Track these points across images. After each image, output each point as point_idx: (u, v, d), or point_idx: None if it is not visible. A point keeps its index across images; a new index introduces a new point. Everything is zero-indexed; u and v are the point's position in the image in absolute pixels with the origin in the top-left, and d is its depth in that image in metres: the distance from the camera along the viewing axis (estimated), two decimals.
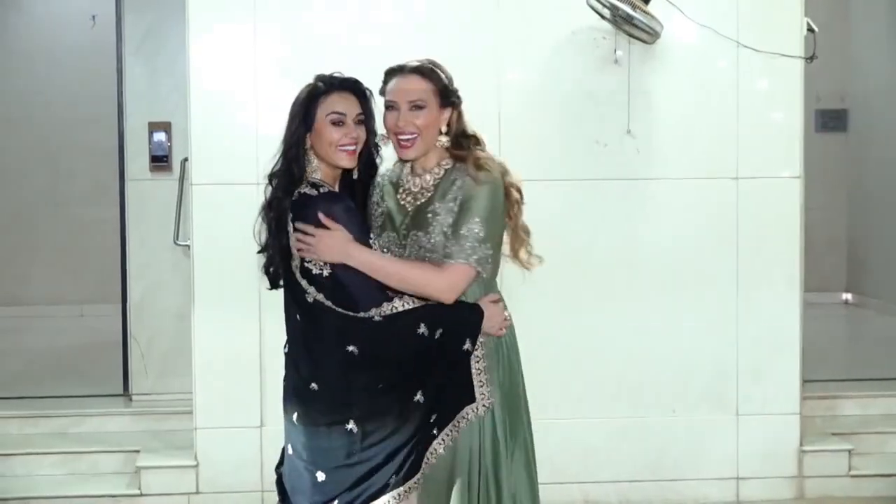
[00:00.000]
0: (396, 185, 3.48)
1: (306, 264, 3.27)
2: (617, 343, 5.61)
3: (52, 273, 10.03)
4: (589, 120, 5.57)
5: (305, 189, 3.31)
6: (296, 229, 3.27)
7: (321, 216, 3.23)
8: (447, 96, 3.43)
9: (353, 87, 3.41)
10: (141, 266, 6.54)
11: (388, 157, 3.52)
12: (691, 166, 5.61)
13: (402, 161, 3.49)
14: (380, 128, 3.44)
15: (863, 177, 9.85)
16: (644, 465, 5.64)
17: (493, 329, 3.37)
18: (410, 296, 3.28)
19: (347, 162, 3.37)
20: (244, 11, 5.46)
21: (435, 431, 3.33)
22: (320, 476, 3.31)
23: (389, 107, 3.39)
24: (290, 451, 3.42)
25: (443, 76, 3.45)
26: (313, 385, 3.31)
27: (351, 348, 3.25)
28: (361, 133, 3.38)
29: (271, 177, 3.39)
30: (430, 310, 3.27)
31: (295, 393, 3.39)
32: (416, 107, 3.37)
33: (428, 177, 3.41)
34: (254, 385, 5.50)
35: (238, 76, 5.48)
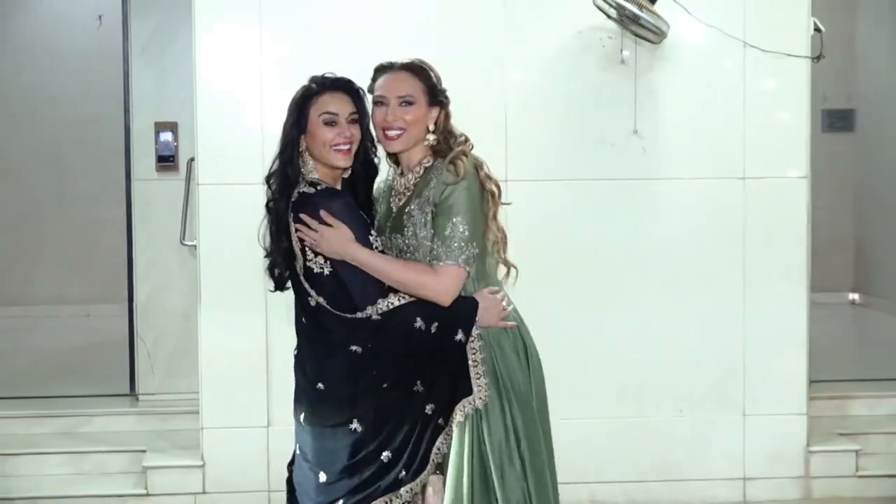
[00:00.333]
0: (390, 190, 3.50)
1: (308, 263, 3.28)
2: (623, 343, 5.60)
3: (58, 273, 10.04)
4: (595, 120, 5.57)
5: (304, 188, 3.33)
6: (298, 221, 3.28)
7: (323, 213, 3.24)
8: (435, 95, 3.45)
9: (345, 87, 3.42)
10: (147, 266, 6.55)
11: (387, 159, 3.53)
12: (698, 166, 5.61)
13: (388, 156, 3.50)
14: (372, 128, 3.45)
15: (870, 177, 9.83)
16: (651, 465, 5.63)
17: (492, 320, 3.36)
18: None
19: (343, 161, 3.38)
20: (250, 12, 5.46)
21: (441, 422, 3.33)
22: (322, 477, 3.32)
23: (378, 102, 3.41)
24: (297, 451, 3.45)
25: (432, 75, 3.47)
26: (319, 385, 3.32)
27: (354, 348, 3.26)
28: (356, 132, 3.39)
29: (268, 179, 3.41)
30: (425, 303, 3.28)
31: (303, 394, 3.40)
32: (406, 102, 3.39)
33: (410, 176, 3.43)
34: (260, 385, 5.50)
35: (244, 76, 5.49)
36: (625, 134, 5.55)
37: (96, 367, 7.45)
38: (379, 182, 3.55)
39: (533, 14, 5.53)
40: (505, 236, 3.48)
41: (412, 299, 3.27)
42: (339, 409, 3.30)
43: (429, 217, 3.31)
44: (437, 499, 3.38)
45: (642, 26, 5.28)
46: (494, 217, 3.42)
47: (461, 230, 3.28)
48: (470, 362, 3.33)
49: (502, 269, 3.53)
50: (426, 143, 3.42)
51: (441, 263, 3.27)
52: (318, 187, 3.32)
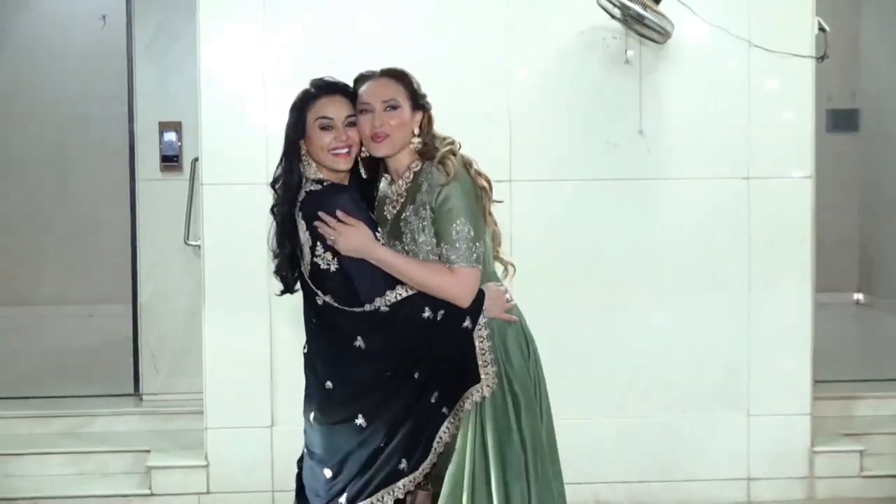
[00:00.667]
0: (384, 198, 3.52)
1: (315, 259, 3.30)
2: (627, 343, 5.60)
3: (62, 273, 10.04)
4: (600, 120, 5.56)
5: (311, 187, 3.36)
6: (309, 219, 3.30)
7: (340, 214, 3.26)
8: (417, 99, 3.48)
9: (342, 90, 3.44)
10: (151, 266, 6.55)
11: None
12: (702, 166, 5.60)
13: (374, 161, 3.52)
14: None
15: (874, 176, 9.82)
16: (654, 466, 5.63)
17: (497, 312, 3.41)
18: None
19: (343, 164, 3.41)
20: (253, 11, 5.46)
21: (445, 410, 3.34)
22: (328, 473, 3.35)
23: (363, 110, 3.43)
24: (306, 450, 3.48)
25: (413, 80, 3.51)
26: (328, 384, 3.36)
27: (358, 343, 3.28)
28: (353, 135, 3.42)
29: (273, 184, 3.44)
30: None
31: (313, 393, 3.43)
32: (391, 107, 3.42)
33: (401, 182, 3.47)
34: (264, 385, 5.50)
35: (248, 76, 5.49)
36: (629, 134, 5.54)
37: (100, 367, 7.46)
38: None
39: (536, 14, 5.53)
40: (499, 232, 3.56)
41: (419, 290, 3.29)
42: (345, 405, 3.34)
43: (426, 222, 3.35)
44: None
45: (647, 26, 5.27)
46: (489, 213, 3.49)
47: (466, 231, 3.32)
48: (478, 350, 3.37)
49: (500, 266, 3.56)
50: (412, 146, 3.46)
51: (454, 267, 3.32)
52: (325, 184, 3.34)
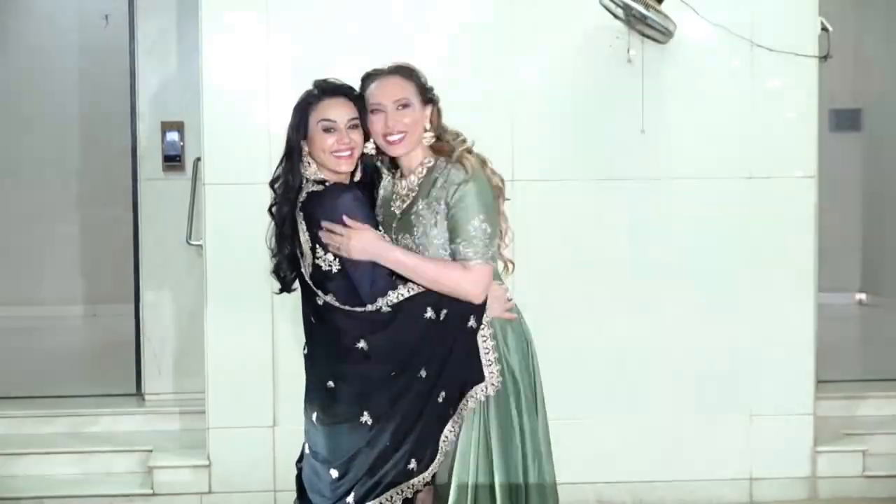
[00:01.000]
0: (390, 195, 3.51)
1: (317, 261, 3.30)
2: (629, 342, 5.59)
3: (65, 273, 10.03)
4: (602, 119, 5.56)
5: (312, 187, 3.36)
6: (309, 220, 3.29)
7: (346, 218, 3.25)
8: (426, 94, 3.48)
9: (346, 93, 3.43)
10: (154, 266, 6.55)
11: None
12: (705, 166, 5.60)
13: (392, 162, 3.53)
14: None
15: (877, 176, 9.80)
16: (657, 466, 5.62)
17: (498, 310, 3.41)
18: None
19: (345, 166, 3.41)
20: (257, 11, 5.46)
21: (450, 410, 3.34)
22: (335, 473, 3.34)
23: (375, 110, 3.42)
24: (307, 450, 3.46)
25: (421, 75, 3.50)
26: (330, 383, 3.35)
27: (361, 344, 3.28)
28: (356, 137, 3.41)
29: (272, 183, 3.44)
30: (434, 293, 3.32)
31: (314, 393, 3.42)
32: (403, 106, 3.42)
33: (413, 177, 3.46)
34: (266, 384, 5.50)
35: (251, 76, 5.49)
36: (632, 133, 5.53)
37: (103, 367, 7.46)
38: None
39: (540, 13, 5.52)
40: (507, 228, 3.56)
41: (421, 290, 3.29)
42: (349, 404, 3.33)
43: (439, 217, 3.35)
44: None
45: (649, 26, 5.27)
46: (501, 211, 3.50)
47: (484, 227, 3.34)
48: (482, 349, 3.37)
49: (500, 263, 3.56)
50: (425, 141, 3.46)
51: (471, 263, 3.32)
52: (326, 184, 3.34)
